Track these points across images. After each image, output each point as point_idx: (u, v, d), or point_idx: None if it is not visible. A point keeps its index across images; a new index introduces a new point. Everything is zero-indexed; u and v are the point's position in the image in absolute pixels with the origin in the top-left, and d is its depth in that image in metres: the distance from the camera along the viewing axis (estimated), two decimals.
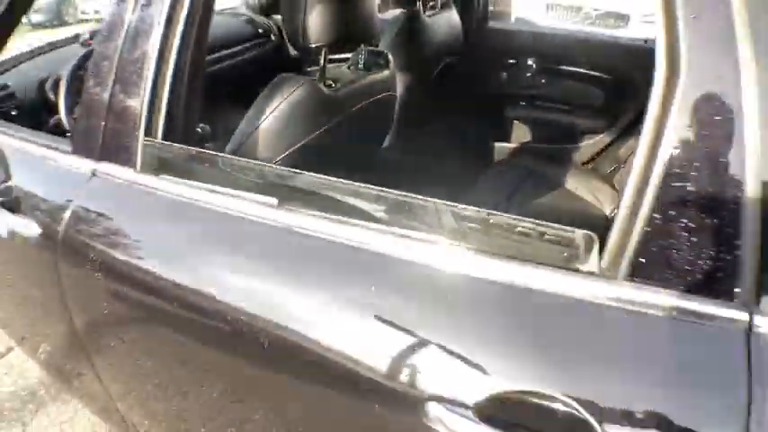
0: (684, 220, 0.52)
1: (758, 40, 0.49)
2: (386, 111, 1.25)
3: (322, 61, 1.05)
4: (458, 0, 2.04)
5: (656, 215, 0.54)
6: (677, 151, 0.52)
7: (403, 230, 0.63)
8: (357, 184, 0.68)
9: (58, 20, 10.17)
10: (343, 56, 1.27)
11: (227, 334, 0.79)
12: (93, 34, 1.93)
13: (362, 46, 1.18)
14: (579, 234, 0.55)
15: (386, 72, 1.24)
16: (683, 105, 0.52)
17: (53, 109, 1.69)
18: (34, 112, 1.69)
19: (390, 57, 1.28)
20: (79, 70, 1.59)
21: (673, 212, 0.53)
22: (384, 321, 0.65)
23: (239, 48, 2.16)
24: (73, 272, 1.01)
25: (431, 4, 1.84)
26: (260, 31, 2.31)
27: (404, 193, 0.66)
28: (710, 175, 0.51)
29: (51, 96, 1.75)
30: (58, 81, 1.66)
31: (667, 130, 0.52)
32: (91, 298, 1.05)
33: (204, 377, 0.95)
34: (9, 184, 1.13)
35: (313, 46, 1.01)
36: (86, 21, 9.74)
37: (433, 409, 0.58)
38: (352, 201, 0.68)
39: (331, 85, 1.08)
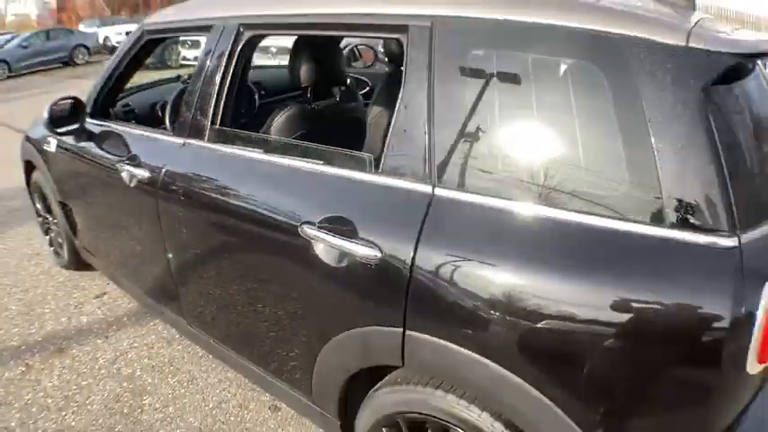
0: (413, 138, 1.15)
1: (440, 71, 1.14)
2: (353, 125, 1.91)
3: (308, 94, 1.82)
4: None
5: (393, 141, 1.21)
6: (403, 114, 1.17)
7: (296, 158, 1.38)
8: (290, 140, 1.42)
9: (161, 63, 12.11)
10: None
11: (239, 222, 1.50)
12: (189, 75, 2.81)
13: (339, 88, 1.96)
14: (365, 155, 1.23)
15: (353, 103, 2.00)
16: (407, 95, 1.16)
17: (159, 121, 2.49)
18: (145, 122, 2.39)
19: (359, 96, 2.06)
20: (179, 98, 2.30)
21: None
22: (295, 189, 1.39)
23: (299, 92, 2.99)
24: (167, 205, 1.71)
25: None
26: None
27: (298, 141, 1.39)
28: (415, 122, 1.14)
29: (159, 113, 2.58)
30: (165, 104, 2.47)
31: (400, 110, 1.17)
32: (177, 221, 1.68)
33: (250, 286, 1.56)
34: (133, 153, 1.92)
35: (303, 86, 1.77)
36: (186, 66, 11.47)
37: (305, 227, 1.28)
38: (291, 147, 1.42)
39: (314, 107, 1.84)
